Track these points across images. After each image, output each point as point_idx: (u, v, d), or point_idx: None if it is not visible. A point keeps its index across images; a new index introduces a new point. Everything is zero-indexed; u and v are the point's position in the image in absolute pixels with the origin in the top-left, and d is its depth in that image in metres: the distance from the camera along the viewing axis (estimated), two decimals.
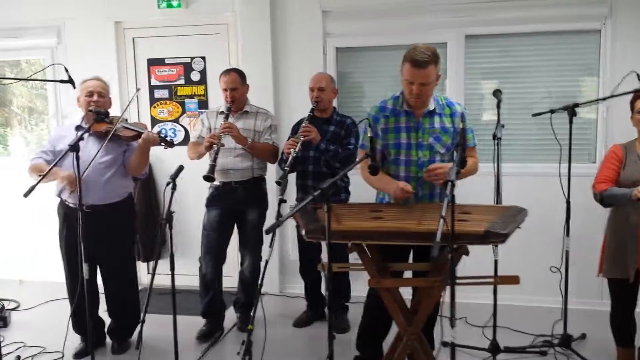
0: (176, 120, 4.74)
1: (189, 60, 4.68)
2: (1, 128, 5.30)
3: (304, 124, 3.55)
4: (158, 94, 4.77)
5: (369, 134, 2.65)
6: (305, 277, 3.97)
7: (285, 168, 3.38)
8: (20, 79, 2.95)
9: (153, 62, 4.74)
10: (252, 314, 2.83)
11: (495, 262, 3.08)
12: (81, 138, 2.86)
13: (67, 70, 3.12)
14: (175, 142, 3.47)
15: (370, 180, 2.88)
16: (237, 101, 3.72)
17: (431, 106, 2.86)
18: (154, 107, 4.79)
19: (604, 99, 2.99)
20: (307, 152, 3.62)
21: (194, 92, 4.71)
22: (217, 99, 4.62)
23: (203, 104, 4.70)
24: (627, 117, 3.04)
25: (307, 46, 4.40)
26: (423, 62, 2.68)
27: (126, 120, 3.45)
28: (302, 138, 3.49)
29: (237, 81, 3.70)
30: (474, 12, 4.13)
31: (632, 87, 2.94)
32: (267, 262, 2.68)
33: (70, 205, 3.31)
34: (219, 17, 4.55)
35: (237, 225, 3.85)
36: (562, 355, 3.37)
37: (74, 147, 2.76)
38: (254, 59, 4.38)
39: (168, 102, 4.75)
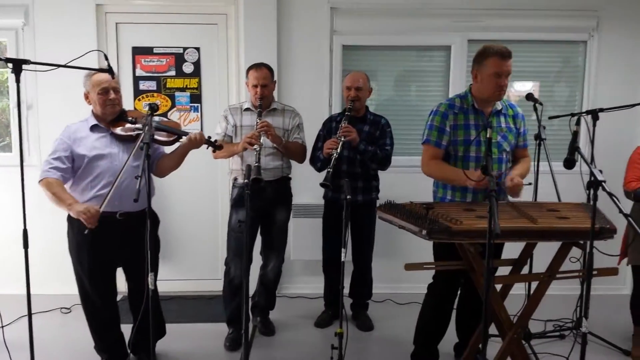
0: (165, 115, 4.41)
1: (181, 50, 4.38)
2: None
3: (343, 124, 3.50)
4: (144, 85, 4.40)
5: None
6: (328, 275, 3.92)
7: (329, 170, 3.33)
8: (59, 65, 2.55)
9: (139, 51, 4.36)
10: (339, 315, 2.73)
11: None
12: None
13: (107, 58, 2.80)
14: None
15: (441, 173, 2.97)
16: (266, 98, 3.57)
17: (498, 106, 3.00)
18: (139, 99, 4.41)
19: (632, 105, 3.33)
20: (342, 152, 3.58)
21: (186, 85, 4.42)
22: (213, 93, 4.42)
23: (196, 98, 4.43)
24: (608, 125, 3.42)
25: (314, 42, 4.33)
26: (508, 53, 2.83)
27: (156, 121, 3.07)
28: (342, 139, 3.45)
29: (268, 77, 3.54)
30: (477, 18, 4.36)
31: None
32: None
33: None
34: (217, 6, 4.32)
35: (262, 225, 3.70)
36: (580, 337, 3.70)
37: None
38: (257, 54, 4.19)
39: (155, 94, 4.41)
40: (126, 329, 3.22)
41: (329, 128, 3.74)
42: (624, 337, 3.68)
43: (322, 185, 3.37)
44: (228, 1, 4.30)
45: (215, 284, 4.30)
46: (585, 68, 4.45)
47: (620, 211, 2.19)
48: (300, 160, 3.71)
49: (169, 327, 3.42)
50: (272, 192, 3.59)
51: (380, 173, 3.80)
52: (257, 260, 3.76)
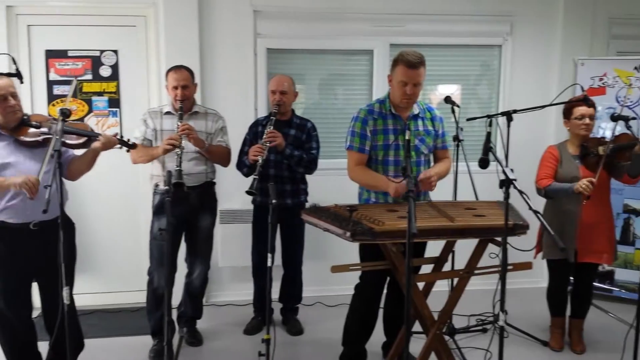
0: (81, 120, 4.21)
1: (97, 53, 4.20)
2: None
3: (268, 129, 3.47)
4: (58, 90, 4.19)
5: None
6: (258, 281, 3.87)
7: (255, 177, 3.29)
8: None
9: (53, 55, 4.15)
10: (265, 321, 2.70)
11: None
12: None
13: (15, 62, 2.65)
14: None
15: (364, 179, 3.01)
16: (187, 101, 3.48)
17: (415, 110, 3.07)
18: (53, 104, 4.20)
19: (544, 106, 3.49)
20: (269, 156, 3.55)
21: (104, 89, 4.25)
22: (132, 98, 4.28)
23: (114, 102, 4.26)
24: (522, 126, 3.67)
25: (238, 45, 4.28)
26: (416, 62, 2.88)
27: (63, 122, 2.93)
28: (268, 144, 3.42)
29: (188, 79, 3.46)
30: (398, 23, 4.45)
31: (568, 97, 3.47)
32: None
33: (11, 223, 2.77)
34: (136, 8, 4.18)
35: (187, 232, 3.61)
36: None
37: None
38: (179, 56, 4.06)
39: (72, 99, 4.20)
40: (43, 347, 3.03)
41: (254, 132, 3.70)
42: (543, 328, 3.85)
43: (247, 192, 3.32)
44: (147, 3, 4.17)
45: (139, 296, 4.14)
46: (501, 71, 4.65)
47: (530, 208, 2.29)
48: (225, 164, 3.64)
49: (89, 342, 3.25)
50: (196, 198, 3.51)
51: (309, 176, 3.80)
52: (182, 269, 3.66)
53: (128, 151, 3.11)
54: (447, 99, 3.62)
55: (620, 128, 3.34)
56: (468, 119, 3.93)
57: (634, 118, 2.97)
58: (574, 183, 3.26)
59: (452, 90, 4.67)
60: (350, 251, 3.19)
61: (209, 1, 4.19)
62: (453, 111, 3.53)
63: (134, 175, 4.22)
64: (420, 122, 3.09)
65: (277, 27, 4.34)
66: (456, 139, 3.41)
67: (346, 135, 3.10)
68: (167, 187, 2.85)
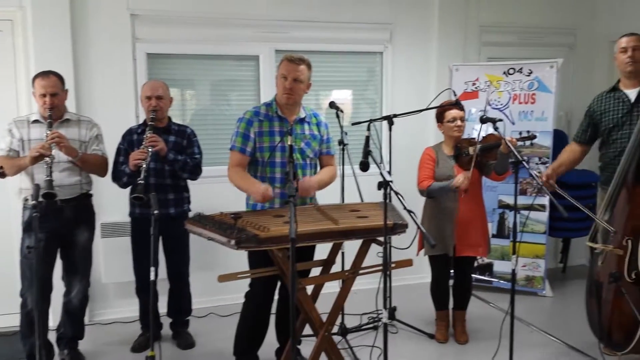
0: None
1: None
2: None
3: (149, 134, 3.34)
4: None
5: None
6: (142, 296, 3.70)
7: (140, 182, 3.16)
8: None
9: None
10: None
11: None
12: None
13: None
14: None
15: (238, 182, 3.00)
16: (57, 108, 3.27)
17: (302, 114, 3.11)
18: None
19: (421, 110, 3.64)
20: (148, 164, 3.40)
21: None
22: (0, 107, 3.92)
23: None
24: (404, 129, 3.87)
25: (116, 50, 4.09)
26: (297, 59, 2.98)
27: None
28: (150, 149, 3.29)
29: (57, 85, 3.25)
30: (283, 29, 4.48)
31: (441, 102, 3.66)
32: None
33: None
34: (1, 12, 3.86)
35: (62, 249, 3.38)
36: (392, 326, 3.98)
37: None
38: (50, 62, 3.78)
39: None
40: None
41: (129, 141, 3.54)
42: (429, 322, 4.02)
43: (135, 198, 3.17)
44: (13, 6, 3.87)
45: (13, 319, 3.81)
46: (383, 77, 4.82)
47: (405, 208, 2.37)
48: (102, 174, 3.46)
49: None
50: (71, 211, 3.30)
51: (193, 184, 3.70)
52: (59, 288, 3.43)
53: None
54: (332, 104, 3.67)
55: (491, 130, 3.58)
56: (353, 124, 4.02)
57: (500, 120, 3.18)
58: (451, 180, 3.43)
59: (344, 95, 4.78)
60: (241, 259, 3.15)
61: (82, 4, 3.98)
62: (338, 116, 3.59)
63: (2, 190, 3.88)
64: (306, 126, 3.13)
65: (157, 31, 4.20)
66: (341, 143, 3.47)
67: (232, 136, 3.08)
68: (34, 202, 2.64)
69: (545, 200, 4.55)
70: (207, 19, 4.29)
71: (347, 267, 3.69)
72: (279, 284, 3.14)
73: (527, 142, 4.03)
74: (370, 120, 3.62)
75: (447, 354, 3.66)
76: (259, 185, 2.90)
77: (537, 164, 4.60)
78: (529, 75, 4.62)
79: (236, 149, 3.01)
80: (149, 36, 4.18)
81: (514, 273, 3.01)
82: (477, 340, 3.80)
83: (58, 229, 3.26)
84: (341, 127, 3.53)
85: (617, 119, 3.37)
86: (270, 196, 2.89)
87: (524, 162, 2.90)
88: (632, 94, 3.35)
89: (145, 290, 3.61)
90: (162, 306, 3.81)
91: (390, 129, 3.76)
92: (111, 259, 4.03)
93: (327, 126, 3.23)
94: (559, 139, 4.75)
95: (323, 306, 2.96)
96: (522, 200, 4.51)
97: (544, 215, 4.62)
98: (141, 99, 3.60)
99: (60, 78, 3.30)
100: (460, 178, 3.37)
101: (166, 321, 3.88)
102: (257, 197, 2.87)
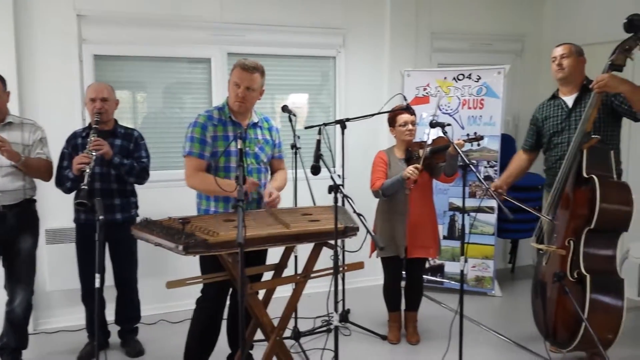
0: None
1: None
2: None
3: (93, 137, 3.25)
4: None
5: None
6: (89, 304, 3.59)
7: (83, 187, 3.07)
8: None
9: None
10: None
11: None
12: None
13: None
14: None
15: (207, 186, 2.94)
16: None
17: (255, 119, 3.09)
18: None
19: (372, 115, 3.68)
20: (93, 168, 3.30)
21: None
22: None
23: None
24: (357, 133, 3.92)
25: (61, 51, 3.98)
26: (251, 67, 2.94)
27: None
28: (94, 153, 3.20)
29: None
30: (235, 32, 4.45)
31: (393, 106, 3.71)
32: None
33: None
34: None
35: (4, 256, 3.26)
36: (345, 328, 4.00)
37: None
38: None
39: None
40: None
41: (73, 145, 3.44)
42: (382, 323, 4.06)
43: (78, 204, 3.07)
44: None
45: None
46: (336, 81, 4.85)
47: (354, 211, 2.39)
48: (47, 178, 3.36)
49: None
50: (14, 217, 3.20)
51: (140, 188, 3.62)
52: (2, 296, 3.30)
53: None
54: (284, 108, 3.69)
55: (441, 133, 3.66)
56: (306, 127, 4.04)
57: (449, 124, 3.26)
58: (401, 172, 3.47)
59: (299, 99, 4.78)
60: (192, 265, 3.10)
61: (26, 3, 3.85)
62: (290, 120, 3.60)
63: None
64: (259, 131, 3.11)
65: (105, 32, 4.10)
66: (294, 147, 3.47)
67: (184, 142, 3.01)
68: None
69: (493, 202, 4.67)
70: (157, 20, 4.22)
71: (301, 271, 3.72)
72: (231, 289, 3.11)
73: (475, 145, 4.12)
74: (322, 125, 3.67)
75: (399, 355, 3.70)
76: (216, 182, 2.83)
77: (485, 167, 4.73)
78: (477, 81, 4.74)
79: (194, 154, 2.94)
80: (96, 37, 4.08)
81: (462, 274, 3.07)
82: (428, 340, 3.86)
83: (0, 236, 3.14)
84: (294, 130, 3.56)
85: (557, 125, 3.52)
86: (257, 182, 2.95)
87: (471, 166, 2.97)
88: (569, 100, 3.51)
89: (91, 297, 3.50)
90: (110, 314, 3.72)
91: (343, 133, 3.80)
92: (57, 266, 3.91)
93: (278, 130, 3.23)
94: (507, 143, 4.90)
95: (275, 311, 2.95)
96: (471, 203, 4.63)
97: (492, 217, 4.74)
98: (86, 102, 3.51)
99: (1, 80, 3.19)
100: (410, 169, 3.41)
101: (114, 329, 3.78)
102: (251, 189, 2.88)
